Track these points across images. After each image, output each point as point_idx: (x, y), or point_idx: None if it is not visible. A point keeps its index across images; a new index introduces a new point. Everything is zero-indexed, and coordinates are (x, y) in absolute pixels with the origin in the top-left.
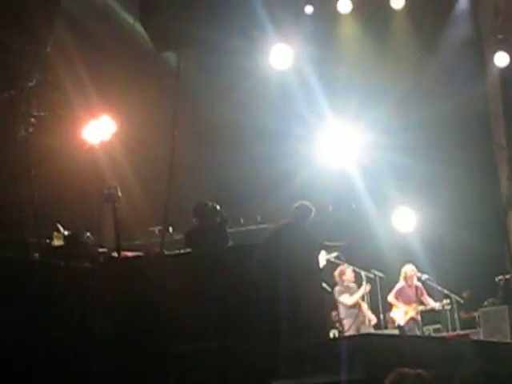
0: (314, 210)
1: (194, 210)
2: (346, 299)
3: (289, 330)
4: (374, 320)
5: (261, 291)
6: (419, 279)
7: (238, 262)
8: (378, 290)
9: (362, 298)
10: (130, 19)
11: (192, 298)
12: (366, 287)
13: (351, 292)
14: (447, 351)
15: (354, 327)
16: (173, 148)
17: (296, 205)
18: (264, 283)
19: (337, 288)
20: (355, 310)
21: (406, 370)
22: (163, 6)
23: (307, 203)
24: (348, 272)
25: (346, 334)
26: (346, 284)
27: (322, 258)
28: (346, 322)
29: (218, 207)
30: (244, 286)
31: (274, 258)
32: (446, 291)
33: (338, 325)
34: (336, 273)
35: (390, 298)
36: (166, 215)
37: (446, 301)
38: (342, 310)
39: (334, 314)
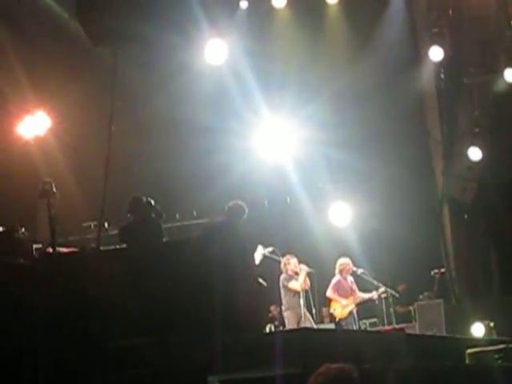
0: (247, 209)
1: (129, 205)
2: (294, 284)
3: (224, 325)
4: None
5: (195, 287)
6: (355, 273)
7: (173, 258)
8: (315, 284)
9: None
10: (65, 14)
11: (127, 293)
12: (304, 270)
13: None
14: (382, 345)
15: (294, 320)
16: (110, 143)
17: (230, 204)
18: (198, 279)
19: (282, 276)
20: (297, 301)
21: (331, 365)
22: (99, 2)
23: (241, 202)
24: (292, 262)
25: (287, 327)
26: (289, 273)
27: (258, 253)
28: (287, 315)
29: (153, 202)
30: (178, 282)
31: (207, 254)
32: (381, 285)
33: (277, 319)
34: (282, 261)
35: (329, 292)
36: (102, 210)
37: (381, 289)
38: (284, 301)
39: (272, 308)
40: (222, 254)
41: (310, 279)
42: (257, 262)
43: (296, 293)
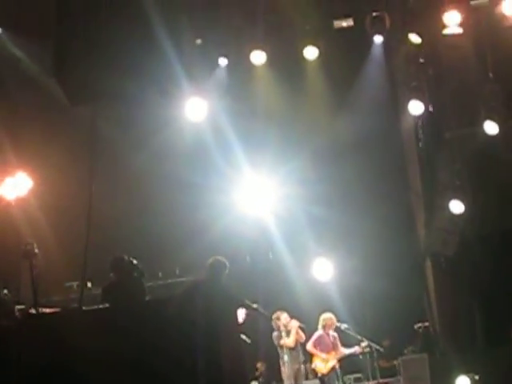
0: (228, 264)
1: (111, 264)
2: (287, 341)
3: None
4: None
5: (178, 348)
6: (338, 328)
7: (155, 317)
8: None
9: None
10: (42, 73)
11: (109, 356)
12: (294, 325)
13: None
14: None
15: (291, 375)
16: (90, 202)
17: (210, 261)
18: (181, 340)
19: (274, 334)
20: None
21: None
22: (75, 60)
23: (221, 258)
24: (283, 317)
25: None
26: (282, 329)
27: (241, 312)
28: (284, 371)
29: (135, 261)
30: (161, 342)
31: (189, 313)
32: (365, 340)
33: (263, 375)
34: (273, 318)
35: (309, 347)
36: (84, 269)
37: (363, 343)
38: (280, 356)
39: (259, 364)
40: (205, 312)
41: (304, 332)
42: (240, 320)
43: (289, 349)
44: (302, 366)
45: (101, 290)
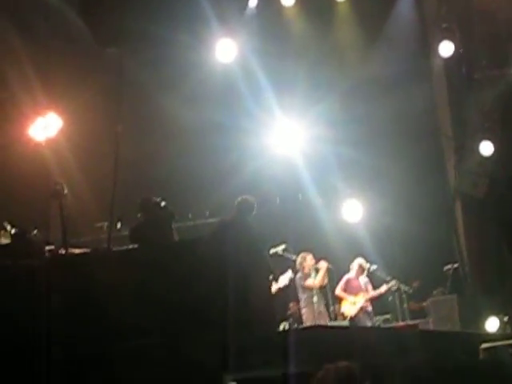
0: (256, 204)
1: (139, 205)
2: (310, 282)
3: (236, 324)
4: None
5: (207, 286)
6: (368, 270)
7: (184, 257)
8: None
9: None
10: (73, 15)
11: (139, 294)
12: (322, 264)
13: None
14: (395, 342)
15: (312, 318)
16: (117, 142)
17: (238, 200)
18: (210, 278)
19: (297, 275)
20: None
21: (333, 365)
22: (105, 1)
23: (250, 198)
24: (309, 258)
25: (305, 324)
26: (306, 271)
27: (286, 277)
28: (305, 312)
29: (163, 202)
30: (189, 281)
31: (218, 253)
32: (395, 281)
33: (292, 317)
34: (298, 259)
35: (338, 291)
36: (112, 210)
37: (391, 283)
38: (302, 299)
39: (291, 304)
40: (234, 252)
41: (329, 275)
42: (281, 285)
43: (313, 290)
44: (320, 309)
45: (129, 231)
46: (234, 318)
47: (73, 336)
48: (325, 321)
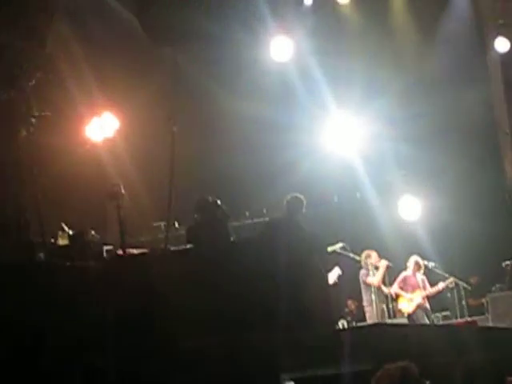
0: (304, 201)
1: (195, 205)
2: (371, 279)
3: (293, 322)
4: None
5: (263, 284)
6: (426, 267)
7: (238, 258)
8: (386, 278)
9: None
10: (128, 15)
11: (196, 293)
12: (382, 263)
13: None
14: (454, 339)
15: (375, 315)
16: (173, 142)
17: (288, 198)
18: (264, 278)
19: (361, 271)
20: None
21: (392, 365)
22: (160, 1)
23: (299, 196)
24: (373, 255)
25: (368, 322)
26: (369, 268)
27: (335, 273)
28: (368, 310)
29: (219, 202)
30: (245, 282)
31: (271, 251)
32: (452, 278)
33: (354, 313)
34: (362, 256)
35: (395, 288)
36: (169, 210)
37: (449, 279)
38: (365, 296)
39: (349, 302)
40: (285, 251)
41: (388, 274)
42: (331, 281)
43: (375, 287)
44: (384, 306)
45: (185, 230)
46: (291, 316)
47: (131, 337)
48: (384, 319)
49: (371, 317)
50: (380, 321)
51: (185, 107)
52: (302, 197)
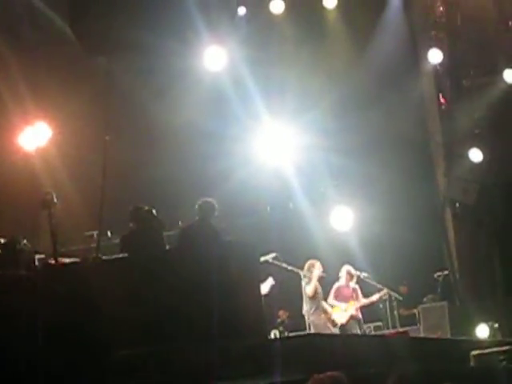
0: (216, 205)
1: (130, 213)
2: (307, 289)
3: (227, 332)
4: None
5: (194, 293)
6: (358, 277)
7: (173, 266)
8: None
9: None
10: (61, 24)
11: (129, 302)
12: (316, 272)
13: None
14: (386, 349)
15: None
16: (105, 151)
17: (199, 202)
18: (197, 287)
19: (303, 281)
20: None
21: (322, 375)
22: (93, 10)
23: (210, 199)
24: (317, 265)
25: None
26: (313, 277)
27: (268, 284)
28: (312, 319)
29: (154, 211)
30: (178, 290)
31: (188, 257)
32: (384, 288)
33: (282, 324)
34: (306, 266)
35: (330, 300)
36: (101, 219)
37: (383, 291)
38: (305, 306)
39: (281, 312)
40: (202, 257)
41: (321, 283)
42: (264, 292)
43: (310, 298)
44: (323, 316)
45: (120, 239)
46: (223, 326)
47: (62, 346)
48: (324, 329)
49: (316, 326)
50: (325, 331)
51: (118, 116)
52: (213, 201)
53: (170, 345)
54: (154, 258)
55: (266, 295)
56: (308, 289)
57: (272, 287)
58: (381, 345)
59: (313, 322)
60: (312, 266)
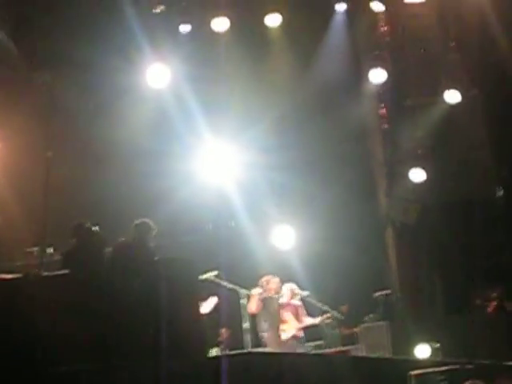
0: (153, 226)
1: (72, 230)
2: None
3: (169, 350)
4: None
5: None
6: (299, 296)
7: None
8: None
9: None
10: (3, 38)
11: (70, 318)
12: (253, 291)
13: (271, 302)
14: (327, 368)
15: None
16: (47, 168)
17: (136, 222)
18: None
19: (242, 300)
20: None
21: None
22: (37, 26)
23: (148, 220)
24: (273, 282)
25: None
26: (268, 295)
27: (211, 303)
28: (266, 336)
29: (96, 228)
30: (119, 306)
31: (121, 277)
32: (326, 308)
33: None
34: (262, 281)
35: None
36: (44, 235)
37: (326, 315)
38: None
39: (223, 331)
40: (137, 275)
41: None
42: (207, 310)
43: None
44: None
45: (61, 255)
46: (165, 344)
47: (3, 362)
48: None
49: (270, 343)
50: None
51: (61, 133)
52: (150, 222)
53: (111, 362)
54: (94, 274)
55: (208, 314)
56: (249, 306)
57: (216, 305)
58: (322, 363)
59: (266, 338)
60: (267, 282)
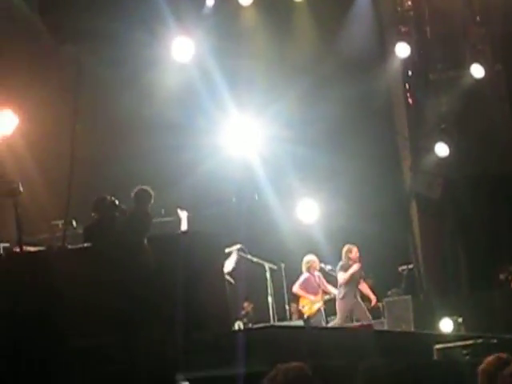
0: (152, 193)
1: (93, 204)
2: (340, 276)
3: (189, 322)
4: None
5: (159, 285)
6: (323, 270)
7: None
8: (284, 280)
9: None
10: (30, 13)
11: (93, 292)
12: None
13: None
14: (350, 342)
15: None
16: (73, 141)
17: (135, 190)
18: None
19: (340, 263)
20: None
21: (285, 366)
22: (63, 0)
23: (146, 187)
24: (354, 251)
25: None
26: (350, 262)
27: (232, 259)
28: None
29: (117, 201)
30: (143, 280)
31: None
32: None
33: (246, 316)
34: (344, 249)
35: (296, 289)
36: (68, 209)
37: None
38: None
39: (245, 304)
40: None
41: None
42: (230, 268)
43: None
44: (287, 307)
45: (83, 229)
46: (187, 317)
47: (27, 334)
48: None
49: (362, 314)
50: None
51: (87, 106)
52: (149, 189)
53: (134, 335)
54: (114, 248)
55: (230, 286)
56: (343, 276)
57: (236, 278)
58: (345, 337)
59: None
60: (349, 250)
